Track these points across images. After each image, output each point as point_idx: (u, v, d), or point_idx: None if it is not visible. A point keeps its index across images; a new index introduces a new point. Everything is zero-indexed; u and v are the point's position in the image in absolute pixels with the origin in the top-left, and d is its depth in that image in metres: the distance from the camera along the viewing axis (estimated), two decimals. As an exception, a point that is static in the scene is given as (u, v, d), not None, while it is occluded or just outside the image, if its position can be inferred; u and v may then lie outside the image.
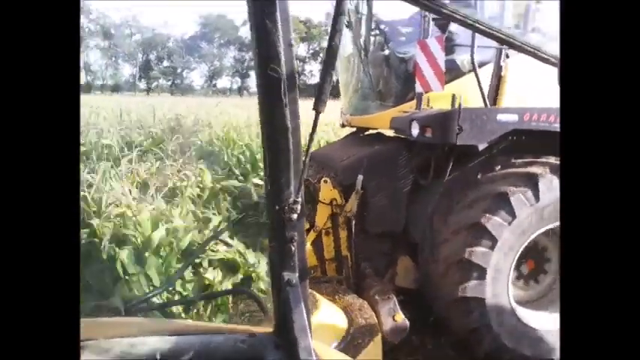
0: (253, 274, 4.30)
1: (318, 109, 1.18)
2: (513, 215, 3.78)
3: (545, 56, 1.45)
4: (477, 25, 1.35)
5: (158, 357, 1.27)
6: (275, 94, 1.14)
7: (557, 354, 3.96)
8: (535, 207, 3.79)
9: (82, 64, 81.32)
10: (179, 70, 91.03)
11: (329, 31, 1.15)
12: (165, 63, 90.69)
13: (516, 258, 3.92)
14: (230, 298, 3.98)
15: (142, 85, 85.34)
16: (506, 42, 1.42)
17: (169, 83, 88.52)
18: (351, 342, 3.34)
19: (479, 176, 4.18)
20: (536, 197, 3.79)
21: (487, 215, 3.78)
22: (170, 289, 3.74)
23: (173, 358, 1.29)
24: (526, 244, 3.92)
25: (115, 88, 74.60)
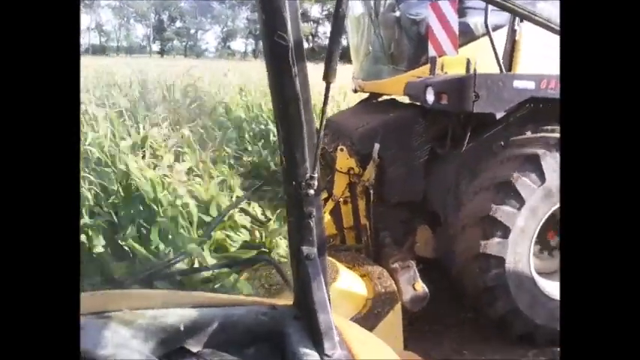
0: (273, 242, 4.20)
1: (328, 79, 1.11)
2: (543, 178, 3.68)
3: (557, 27, 1.35)
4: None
5: (182, 328, 1.26)
6: (283, 63, 1.08)
7: None
8: None
9: (94, 25, 79.18)
10: (192, 32, 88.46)
11: None
12: (178, 24, 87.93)
13: (541, 223, 3.80)
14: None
15: (156, 47, 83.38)
16: (515, 12, 1.32)
17: (183, 45, 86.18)
18: (371, 310, 3.25)
19: (505, 141, 4.06)
20: None
21: (516, 174, 3.67)
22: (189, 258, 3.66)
23: (197, 329, 1.27)
24: (553, 209, 3.79)
25: (129, 50, 72.92)
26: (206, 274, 3.53)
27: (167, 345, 1.25)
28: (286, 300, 1.45)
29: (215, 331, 1.29)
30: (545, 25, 1.34)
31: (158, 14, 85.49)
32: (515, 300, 3.79)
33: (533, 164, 3.69)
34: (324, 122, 1.19)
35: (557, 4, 1.10)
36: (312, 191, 1.21)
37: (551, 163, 3.68)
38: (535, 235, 3.81)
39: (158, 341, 1.24)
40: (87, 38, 77.77)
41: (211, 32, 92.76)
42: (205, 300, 1.45)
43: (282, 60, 1.08)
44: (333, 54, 1.09)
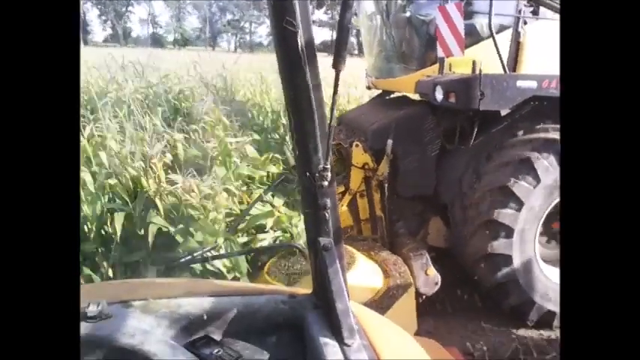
0: (294, 232, 4.05)
1: (337, 67, 1.00)
2: (538, 179, 3.53)
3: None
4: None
5: (205, 317, 1.21)
6: (292, 50, 0.99)
7: None
8: (558, 171, 3.52)
9: (147, 17, 76.31)
10: (244, 24, 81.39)
11: None
12: (229, 16, 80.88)
13: (543, 219, 3.67)
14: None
15: (210, 39, 77.85)
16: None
17: (236, 39, 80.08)
18: (387, 293, 3.19)
19: (503, 142, 3.91)
20: (559, 162, 3.50)
21: (513, 179, 3.54)
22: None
23: (218, 317, 1.22)
24: (552, 206, 3.64)
25: (184, 43, 68.35)
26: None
27: (190, 332, 1.19)
28: (305, 289, 1.37)
29: (236, 320, 1.23)
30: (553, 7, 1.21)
31: (211, 6, 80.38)
32: (526, 291, 3.69)
33: (528, 167, 3.56)
34: (335, 111, 1.07)
35: None
36: (325, 182, 1.12)
37: (543, 163, 3.55)
38: (538, 230, 3.68)
39: (181, 329, 1.19)
40: (145, 29, 76.32)
41: (264, 25, 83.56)
42: (226, 289, 1.40)
43: (290, 47, 0.98)
44: (341, 42, 0.99)
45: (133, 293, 1.27)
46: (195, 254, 3.20)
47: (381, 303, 3.04)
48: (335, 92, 1.04)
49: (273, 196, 4.33)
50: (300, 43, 0.98)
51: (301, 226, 4.07)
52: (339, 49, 0.99)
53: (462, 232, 3.91)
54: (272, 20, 0.98)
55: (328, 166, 1.11)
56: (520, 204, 3.54)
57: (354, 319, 1.13)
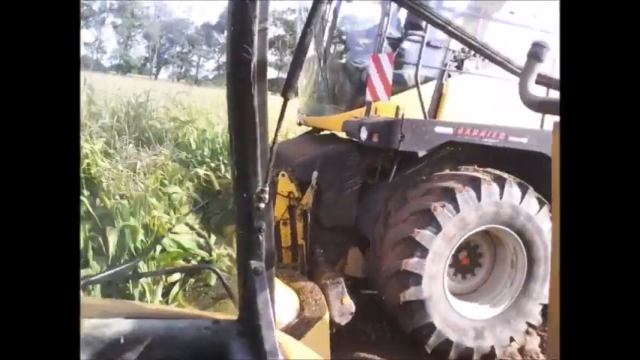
0: (214, 255, 4.11)
1: (286, 96, 1.00)
2: (458, 209, 3.75)
3: (514, 68, 1.27)
4: (453, 30, 1.19)
5: (122, 341, 1.11)
6: (245, 76, 0.97)
7: (476, 343, 3.97)
8: (476, 206, 3.78)
9: (95, 41, 72.20)
10: (192, 57, 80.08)
11: (305, 18, 0.98)
12: (178, 48, 79.54)
13: (455, 247, 3.89)
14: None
15: (155, 69, 75.43)
16: (477, 49, 1.24)
17: (181, 70, 78.48)
18: (302, 320, 3.18)
19: (426, 176, 4.12)
20: (478, 198, 3.77)
21: (435, 205, 3.73)
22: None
23: (137, 341, 1.13)
24: (465, 237, 3.90)
25: (128, 69, 66.31)
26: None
27: (104, 356, 1.10)
28: (230, 315, 1.30)
29: (155, 344, 1.14)
30: (503, 65, 1.26)
31: (162, 37, 77.77)
32: (430, 315, 3.81)
33: (450, 196, 3.76)
34: (278, 138, 1.05)
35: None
36: (262, 205, 1.08)
37: (464, 195, 3.76)
38: (450, 257, 3.87)
39: (95, 353, 1.09)
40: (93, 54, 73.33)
41: (212, 61, 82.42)
42: (146, 311, 1.33)
43: (244, 73, 0.97)
44: (294, 73, 0.99)
45: None
46: (109, 272, 3.08)
47: (296, 330, 3.02)
48: (281, 119, 1.04)
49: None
50: (252, 70, 0.97)
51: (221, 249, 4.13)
52: (290, 80, 0.99)
53: (379, 252, 4.01)
54: (229, 46, 0.97)
55: (266, 189, 1.08)
56: (439, 228, 3.72)
57: (280, 349, 1.08)
